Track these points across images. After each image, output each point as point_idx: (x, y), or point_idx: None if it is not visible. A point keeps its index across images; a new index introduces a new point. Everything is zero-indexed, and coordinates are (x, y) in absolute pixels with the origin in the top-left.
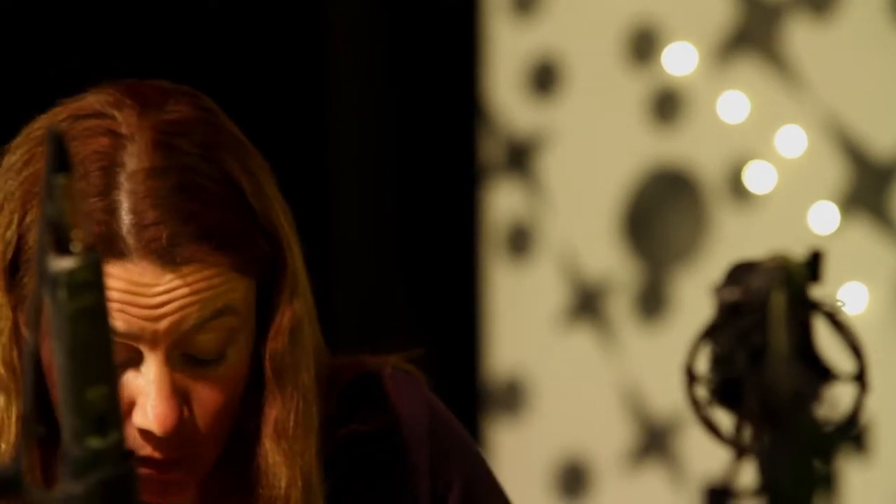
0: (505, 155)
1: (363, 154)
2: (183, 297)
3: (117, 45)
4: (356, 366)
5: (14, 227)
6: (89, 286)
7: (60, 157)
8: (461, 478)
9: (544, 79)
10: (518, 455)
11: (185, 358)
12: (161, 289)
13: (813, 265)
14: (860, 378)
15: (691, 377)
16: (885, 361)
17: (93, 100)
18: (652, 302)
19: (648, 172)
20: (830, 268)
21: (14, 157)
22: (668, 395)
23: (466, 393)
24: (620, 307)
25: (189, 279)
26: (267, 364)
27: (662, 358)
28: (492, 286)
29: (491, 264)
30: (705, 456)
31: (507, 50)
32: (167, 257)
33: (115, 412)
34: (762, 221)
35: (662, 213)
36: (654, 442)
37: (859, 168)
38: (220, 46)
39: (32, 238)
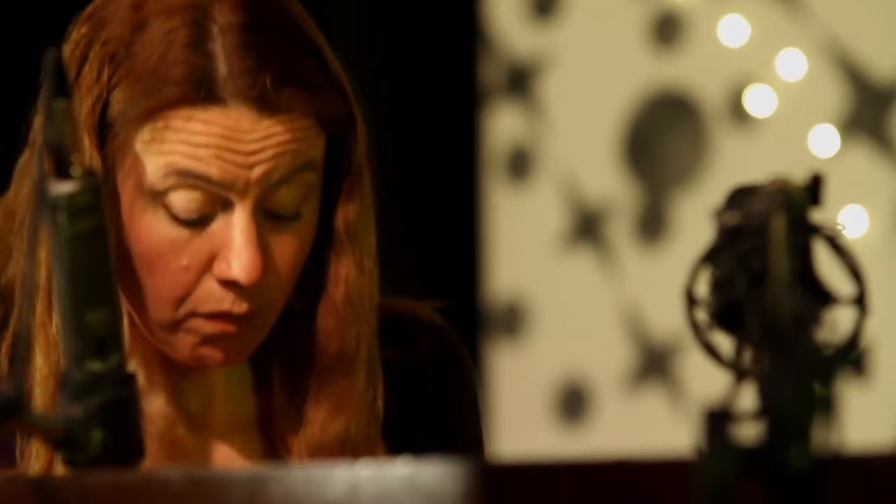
0: (505, 78)
1: (362, 77)
2: (277, 144)
3: None
4: (389, 307)
5: (102, 83)
6: (89, 210)
7: (59, 80)
8: (471, 430)
9: (545, 2)
10: (518, 378)
11: (265, 213)
12: (257, 135)
13: (813, 188)
14: (860, 301)
15: (691, 300)
16: (886, 285)
17: None
18: (652, 225)
19: (649, 96)
20: (830, 191)
21: (84, 28)
22: (668, 318)
23: (467, 316)
24: (620, 230)
25: (285, 126)
26: (339, 224)
27: (662, 281)
28: (492, 209)
29: (491, 188)
30: (705, 379)
31: None
32: (265, 103)
33: (115, 335)
34: (762, 145)
35: (663, 136)
36: (653, 365)
37: (859, 91)
38: None
39: (119, 95)
